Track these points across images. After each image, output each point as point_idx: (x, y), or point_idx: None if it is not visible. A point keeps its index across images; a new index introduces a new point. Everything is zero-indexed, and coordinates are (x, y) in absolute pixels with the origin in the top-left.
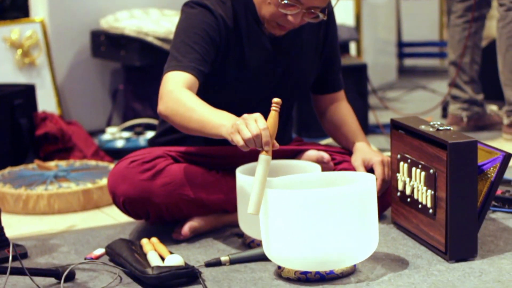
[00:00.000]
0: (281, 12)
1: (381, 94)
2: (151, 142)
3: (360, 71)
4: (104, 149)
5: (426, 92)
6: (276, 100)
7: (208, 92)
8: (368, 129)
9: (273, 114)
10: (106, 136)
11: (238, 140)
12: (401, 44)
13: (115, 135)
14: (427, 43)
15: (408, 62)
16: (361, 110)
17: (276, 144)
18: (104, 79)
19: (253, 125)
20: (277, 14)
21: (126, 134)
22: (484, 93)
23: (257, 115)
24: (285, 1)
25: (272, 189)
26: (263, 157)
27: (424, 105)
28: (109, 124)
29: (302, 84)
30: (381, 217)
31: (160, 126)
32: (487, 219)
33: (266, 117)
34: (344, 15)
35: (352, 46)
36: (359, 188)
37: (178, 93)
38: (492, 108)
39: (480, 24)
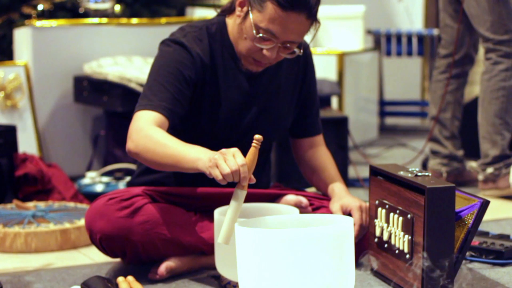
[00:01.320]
0: (257, 46)
1: (362, 150)
2: (130, 183)
3: (341, 124)
4: (83, 193)
5: (407, 149)
6: (257, 136)
7: (183, 130)
8: (348, 182)
9: (253, 150)
10: (85, 180)
11: (217, 175)
12: (382, 103)
13: (95, 180)
14: (409, 102)
15: (390, 120)
16: (341, 163)
17: (253, 179)
18: (85, 125)
19: (231, 161)
20: (253, 49)
21: (106, 179)
22: (464, 150)
23: (235, 150)
24: (260, 35)
25: (248, 227)
26: (238, 192)
27: (404, 161)
28: (89, 169)
29: (278, 124)
30: (358, 264)
31: (139, 167)
32: (463, 269)
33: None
34: (326, 70)
35: (334, 101)
36: (336, 229)
37: (148, 130)
38: (472, 164)
39: (462, 80)
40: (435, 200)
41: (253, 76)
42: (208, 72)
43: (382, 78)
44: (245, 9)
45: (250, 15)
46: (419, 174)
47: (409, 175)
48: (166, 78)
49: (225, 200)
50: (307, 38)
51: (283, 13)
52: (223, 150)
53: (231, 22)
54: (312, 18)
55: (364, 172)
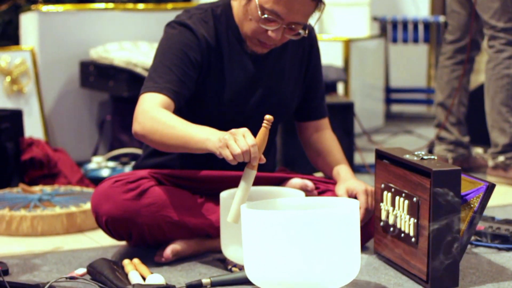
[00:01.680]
0: (262, 28)
1: (367, 138)
2: (136, 166)
3: (347, 109)
4: (89, 178)
5: (413, 136)
6: (267, 117)
7: (188, 111)
8: (354, 168)
9: (263, 131)
10: (91, 165)
11: (227, 155)
12: (388, 90)
13: (101, 164)
14: (415, 90)
15: (395, 108)
16: (347, 148)
17: (263, 159)
18: (91, 110)
19: (242, 141)
20: (259, 30)
21: (112, 164)
22: (470, 136)
23: (245, 130)
24: (266, 16)
25: (254, 209)
26: (248, 171)
27: (410, 148)
28: (95, 154)
29: (283, 107)
30: (364, 248)
31: (145, 150)
32: (469, 252)
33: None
34: (332, 57)
35: (340, 87)
36: (341, 211)
37: (155, 112)
38: (478, 151)
39: (469, 66)
40: (441, 182)
41: (258, 58)
42: (214, 54)
43: (388, 65)
44: None
45: None
46: (425, 157)
47: (415, 158)
48: (171, 60)
49: (231, 183)
50: (312, 21)
51: None
52: (233, 130)
53: (236, 4)
54: None
55: (369, 159)
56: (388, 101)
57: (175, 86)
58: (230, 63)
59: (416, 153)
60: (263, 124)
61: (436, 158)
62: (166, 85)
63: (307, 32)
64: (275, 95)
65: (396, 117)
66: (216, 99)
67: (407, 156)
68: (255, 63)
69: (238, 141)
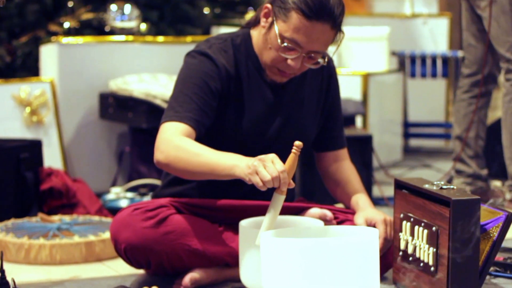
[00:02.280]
0: (282, 56)
1: (385, 173)
2: (155, 195)
3: (365, 142)
4: (107, 208)
5: (431, 170)
6: (297, 143)
7: (206, 140)
8: (372, 201)
9: (292, 157)
10: (110, 196)
11: (257, 181)
12: (407, 124)
13: (119, 195)
14: (433, 124)
15: (414, 142)
16: (366, 181)
17: (292, 184)
18: (110, 141)
19: (271, 167)
20: (278, 59)
21: (130, 195)
22: (488, 169)
23: (273, 156)
24: (285, 44)
25: (273, 237)
26: (277, 196)
27: None
28: (114, 185)
29: (302, 136)
30: (383, 278)
31: (164, 179)
32: (488, 283)
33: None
34: (351, 90)
35: (358, 120)
36: (361, 240)
37: (178, 140)
38: (496, 184)
39: (486, 99)
40: (460, 212)
41: (277, 87)
42: (233, 83)
43: (407, 100)
44: (270, 19)
45: (275, 25)
46: (444, 187)
47: (434, 188)
48: (192, 89)
49: (250, 212)
50: (331, 51)
51: (308, 23)
52: (262, 156)
53: (256, 34)
54: (336, 28)
55: (388, 192)
56: (406, 135)
57: (196, 115)
58: (249, 92)
59: (435, 182)
60: (293, 150)
61: (455, 187)
62: (187, 114)
63: (326, 60)
64: (294, 124)
65: (414, 152)
66: (235, 128)
67: (426, 186)
68: (274, 92)
69: (268, 168)
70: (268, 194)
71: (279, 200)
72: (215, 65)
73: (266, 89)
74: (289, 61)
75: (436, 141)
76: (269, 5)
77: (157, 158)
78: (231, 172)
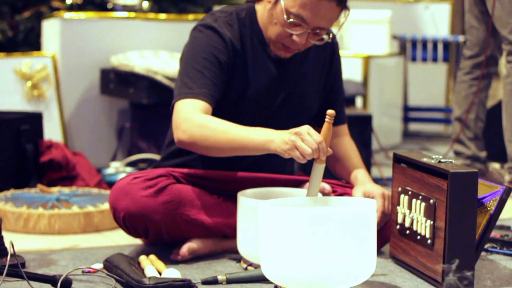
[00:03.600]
0: (287, 32)
1: (385, 154)
2: (156, 166)
3: (365, 122)
4: (106, 182)
5: (430, 154)
6: (330, 112)
7: None
8: None
9: (326, 125)
10: (109, 170)
11: (298, 156)
12: (406, 108)
13: (119, 169)
14: (433, 109)
15: (413, 126)
16: (365, 161)
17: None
18: (111, 117)
19: (309, 140)
20: (283, 34)
21: (130, 169)
22: (487, 152)
23: (308, 128)
24: (291, 20)
25: (271, 206)
26: (318, 166)
27: None
28: (113, 160)
29: (304, 110)
30: (380, 253)
31: (164, 151)
32: (484, 259)
33: None
34: (351, 72)
35: (358, 101)
36: (359, 209)
37: (200, 118)
38: (494, 166)
39: (487, 82)
40: (458, 184)
41: (281, 62)
42: (238, 57)
43: (407, 84)
44: None
45: (281, 0)
46: (442, 160)
47: (432, 161)
48: (202, 64)
49: (249, 184)
50: (335, 28)
51: None
52: (297, 130)
53: (261, 8)
54: (342, 5)
55: (387, 173)
56: (406, 119)
57: (210, 89)
58: (253, 66)
59: (434, 156)
60: (326, 119)
61: (453, 161)
62: (201, 90)
63: (331, 37)
64: (296, 99)
65: (413, 136)
66: (239, 101)
67: (424, 160)
68: (278, 67)
69: (306, 141)
70: (268, 167)
71: (320, 169)
72: (221, 38)
73: (269, 64)
74: (294, 37)
75: (435, 125)
76: None
77: (179, 137)
78: (265, 147)
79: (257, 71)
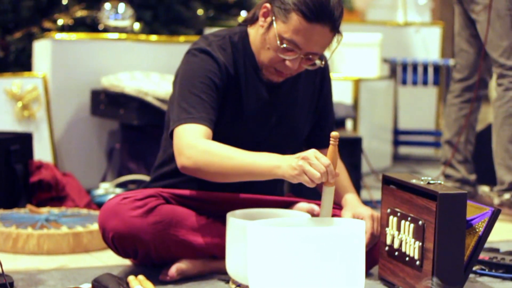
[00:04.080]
0: (280, 57)
1: (375, 176)
2: (146, 186)
3: (355, 144)
4: (96, 203)
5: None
6: (334, 134)
7: None
8: None
9: (332, 148)
10: (99, 191)
11: (307, 181)
12: (397, 132)
13: (108, 190)
14: (423, 132)
15: (403, 150)
16: (355, 183)
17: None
18: (101, 138)
19: (317, 164)
20: (276, 60)
21: (119, 190)
22: (476, 175)
23: (314, 151)
24: (284, 46)
25: (260, 226)
26: (327, 189)
27: None
28: (103, 181)
29: (295, 135)
30: (368, 274)
31: (154, 172)
32: (473, 281)
33: None
34: (342, 95)
35: (349, 124)
36: (347, 230)
37: (204, 144)
38: (484, 189)
39: (476, 105)
40: (447, 206)
41: (273, 86)
42: (232, 81)
43: (397, 107)
44: (268, 19)
45: (274, 26)
46: (432, 182)
47: (422, 182)
48: (200, 88)
49: (239, 205)
50: (328, 52)
51: (307, 25)
52: (303, 154)
53: (253, 32)
54: (335, 30)
55: (376, 195)
56: (396, 142)
57: (209, 114)
58: (246, 90)
59: (423, 178)
60: (331, 142)
61: (442, 182)
62: (201, 114)
63: (323, 62)
64: (288, 123)
65: (403, 159)
66: (231, 126)
67: (413, 181)
68: (270, 91)
69: (314, 165)
70: (258, 188)
71: (330, 192)
72: (216, 62)
73: (261, 88)
74: (287, 62)
75: (425, 149)
76: (268, 5)
77: (183, 164)
78: (271, 173)
79: (250, 96)
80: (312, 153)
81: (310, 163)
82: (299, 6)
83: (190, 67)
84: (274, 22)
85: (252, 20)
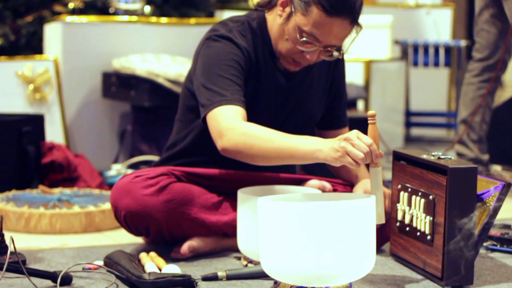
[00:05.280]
0: (298, 48)
1: (386, 158)
2: (156, 164)
3: (366, 123)
4: (108, 184)
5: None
6: (370, 113)
7: None
8: None
9: (372, 127)
10: (111, 172)
11: (350, 162)
12: (408, 113)
13: (120, 171)
14: (435, 113)
15: (415, 131)
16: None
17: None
18: (112, 120)
19: (360, 144)
20: (294, 51)
21: (131, 171)
22: (489, 155)
23: (356, 132)
24: (304, 39)
25: (270, 201)
26: (374, 170)
27: None
28: (115, 163)
29: (309, 120)
30: (380, 251)
31: (165, 152)
32: (484, 257)
33: None
34: (353, 76)
35: (360, 105)
36: (358, 204)
37: (244, 126)
38: (496, 168)
39: (494, 85)
40: (457, 180)
41: (289, 73)
42: (253, 67)
43: (409, 88)
44: (287, 9)
45: (294, 17)
46: (442, 157)
47: (432, 158)
48: (228, 70)
49: (249, 182)
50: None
51: (328, 18)
52: (345, 135)
53: (271, 19)
54: (355, 22)
55: (388, 175)
56: (408, 124)
57: (241, 95)
58: (264, 77)
59: (433, 153)
60: (370, 121)
61: (452, 158)
62: (234, 96)
63: (341, 53)
64: (303, 108)
65: (415, 140)
66: (248, 111)
67: (424, 156)
68: (287, 78)
69: (357, 145)
70: (270, 166)
71: (378, 172)
72: (239, 48)
73: (279, 75)
74: (305, 54)
75: (437, 130)
76: None
77: (223, 145)
78: (313, 157)
79: (268, 82)
80: (354, 133)
81: (352, 144)
82: None
83: (214, 50)
84: (293, 14)
85: (269, 6)
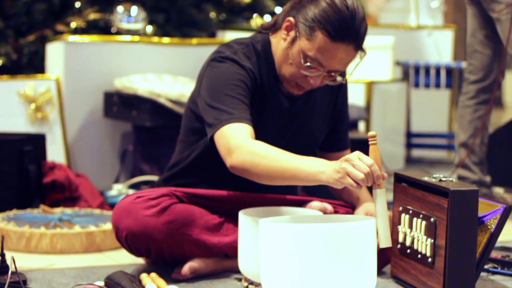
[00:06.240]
0: (302, 73)
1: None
2: (158, 185)
3: (367, 145)
4: (109, 204)
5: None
6: (371, 134)
7: None
8: None
9: (374, 148)
10: (112, 192)
11: (351, 183)
12: (409, 134)
13: (121, 191)
14: (436, 135)
15: (416, 152)
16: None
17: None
18: (114, 140)
19: (360, 165)
20: (298, 75)
21: (132, 191)
22: (490, 176)
23: (358, 153)
24: (308, 64)
25: (271, 222)
26: (379, 191)
27: None
28: (116, 183)
29: (311, 142)
30: (381, 273)
31: (167, 172)
32: (485, 279)
33: None
34: (354, 98)
35: (361, 126)
36: (359, 226)
37: (251, 145)
38: (498, 191)
39: (490, 106)
40: (458, 202)
41: (292, 97)
42: (258, 89)
43: (410, 109)
44: (292, 34)
45: (298, 42)
46: (443, 179)
47: (433, 180)
48: (235, 90)
49: (251, 203)
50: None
51: (332, 44)
52: (346, 157)
53: (275, 42)
54: (359, 48)
55: (389, 196)
56: (409, 145)
57: (249, 113)
58: (269, 100)
59: (434, 175)
60: (371, 142)
61: (454, 180)
62: (242, 114)
63: (345, 78)
64: (306, 131)
65: (416, 162)
66: None
67: (425, 178)
68: (290, 101)
69: (357, 166)
70: (271, 187)
71: (381, 194)
72: (244, 69)
73: (282, 98)
74: (309, 79)
75: (438, 151)
76: (292, 19)
77: (231, 163)
78: (316, 179)
79: (271, 105)
80: (355, 154)
81: (353, 164)
82: (324, 24)
83: (220, 71)
84: (298, 38)
85: (273, 29)
